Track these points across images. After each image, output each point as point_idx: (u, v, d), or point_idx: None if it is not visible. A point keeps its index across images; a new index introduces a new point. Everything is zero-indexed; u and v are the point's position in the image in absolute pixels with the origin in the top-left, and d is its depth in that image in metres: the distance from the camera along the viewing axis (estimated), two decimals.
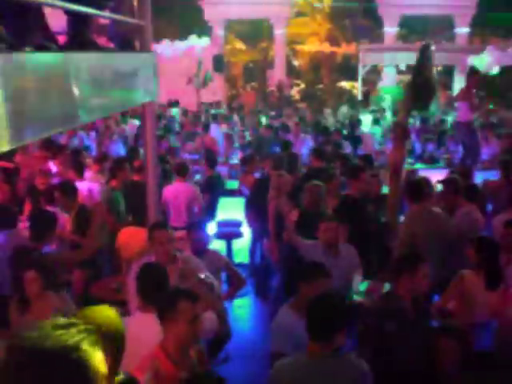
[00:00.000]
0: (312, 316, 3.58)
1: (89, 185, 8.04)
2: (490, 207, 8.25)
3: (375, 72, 24.11)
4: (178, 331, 3.41)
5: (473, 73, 11.13)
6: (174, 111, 17.89)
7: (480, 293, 4.88)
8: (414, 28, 27.32)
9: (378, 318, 4.31)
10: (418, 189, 6.40)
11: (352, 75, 24.02)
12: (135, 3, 4.91)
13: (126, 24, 4.62)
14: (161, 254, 4.95)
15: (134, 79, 4.34)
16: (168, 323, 3.44)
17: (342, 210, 6.74)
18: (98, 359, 1.70)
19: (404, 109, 7.23)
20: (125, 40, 4.71)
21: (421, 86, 6.70)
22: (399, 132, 7.12)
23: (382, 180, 8.09)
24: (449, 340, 3.76)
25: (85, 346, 1.67)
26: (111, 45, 4.66)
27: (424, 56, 6.91)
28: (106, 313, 2.78)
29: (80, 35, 3.65)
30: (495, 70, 17.22)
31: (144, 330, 3.70)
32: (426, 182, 6.84)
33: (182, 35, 23.29)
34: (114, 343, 2.65)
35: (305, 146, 11.81)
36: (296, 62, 29.81)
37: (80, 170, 8.22)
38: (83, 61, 3.19)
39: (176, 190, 8.34)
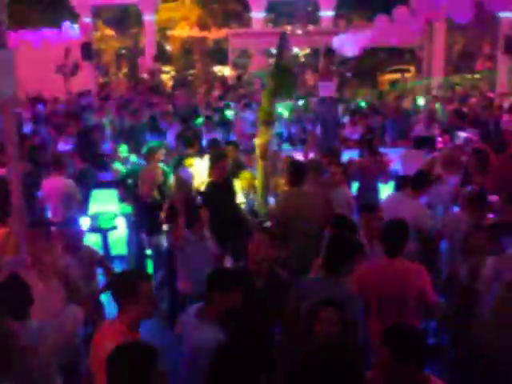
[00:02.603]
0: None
1: None
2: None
3: (247, 56, 24.46)
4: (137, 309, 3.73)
5: (327, 52, 11.60)
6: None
7: None
8: (282, 12, 27.95)
9: None
10: (296, 172, 6.64)
11: (224, 60, 24.23)
12: None
13: None
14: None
15: None
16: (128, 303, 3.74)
17: (205, 196, 6.94)
18: None
19: (268, 95, 7.49)
20: None
21: (280, 74, 6.96)
22: (264, 116, 7.40)
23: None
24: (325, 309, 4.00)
25: None
26: None
27: (281, 45, 7.18)
28: None
29: None
30: (356, 52, 17.93)
31: None
32: (307, 165, 7.11)
33: (52, 23, 22.56)
34: None
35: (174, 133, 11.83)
36: (168, 48, 29.63)
37: None
38: None
39: (52, 185, 8.17)
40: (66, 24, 21.75)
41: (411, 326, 3.70)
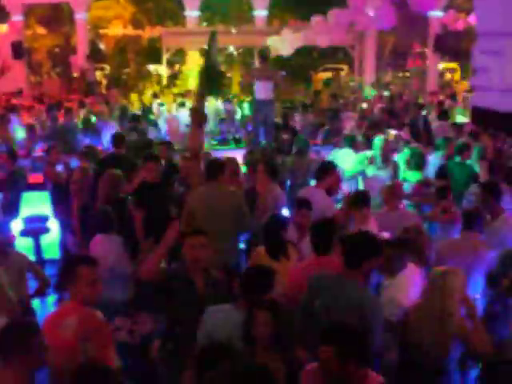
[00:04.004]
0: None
1: None
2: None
3: (182, 55, 24.35)
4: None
5: (262, 53, 11.72)
6: None
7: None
8: (217, 11, 27.94)
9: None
10: (210, 169, 6.68)
11: (158, 59, 24.07)
12: None
13: None
14: None
15: None
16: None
17: (138, 195, 6.92)
18: None
19: (198, 94, 7.53)
20: None
21: (208, 72, 7.02)
22: (196, 117, 7.43)
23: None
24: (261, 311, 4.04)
25: None
26: None
27: (210, 43, 7.24)
28: None
29: None
30: (290, 52, 18.18)
31: None
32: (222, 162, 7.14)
33: None
34: None
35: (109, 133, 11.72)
36: (102, 46, 29.20)
37: None
38: None
39: None
40: None
41: (349, 324, 3.75)
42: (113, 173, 7.12)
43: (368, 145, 9.63)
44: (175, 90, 18.63)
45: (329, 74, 25.10)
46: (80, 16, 23.42)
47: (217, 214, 6.22)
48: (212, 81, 7.05)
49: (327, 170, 7.15)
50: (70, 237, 7.93)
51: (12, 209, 8.65)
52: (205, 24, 26.62)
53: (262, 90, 11.14)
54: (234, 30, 21.05)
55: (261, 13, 23.24)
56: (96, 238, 6.13)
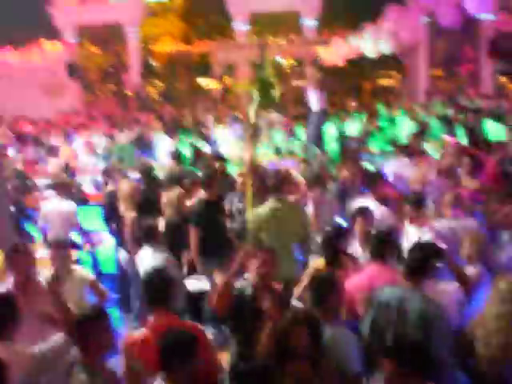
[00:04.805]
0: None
1: None
2: None
3: (232, 68, 24.53)
4: None
5: (314, 64, 11.73)
6: None
7: None
8: (265, 24, 28.02)
9: None
10: (274, 182, 6.68)
11: (209, 73, 24.30)
12: None
13: None
14: None
15: None
16: None
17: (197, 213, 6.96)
18: None
19: (252, 108, 7.52)
20: None
21: (260, 85, 7.02)
22: (250, 131, 7.43)
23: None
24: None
25: None
26: None
27: (261, 55, 7.26)
28: None
29: None
30: (340, 62, 18.05)
31: None
32: (285, 175, 7.17)
33: (31, 41, 22.56)
34: None
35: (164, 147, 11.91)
36: (153, 63, 29.66)
37: None
38: None
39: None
40: (49, 43, 21.75)
41: (414, 337, 3.65)
42: (176, 193, 7.23)
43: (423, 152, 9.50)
44: (227, 104, 18.75)
45: (382, 82, 24.84)
46: (131, 34, 23.92)
47: (283, 229, 6.22)
48: (264, 93, 7.02)
49: (376, 180, 7.11)
50: (123, 252, 8.03)
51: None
52: (254, 37, 26.73)
53: (315, 100, 11.15)
54: (283, 42, 21.08)
55: (310, 22, 23.22)
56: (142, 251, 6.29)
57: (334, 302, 4.22)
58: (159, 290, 4.35)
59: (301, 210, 6.72)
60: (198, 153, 10.36)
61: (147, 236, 6.42)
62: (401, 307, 4.15)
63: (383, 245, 5.01)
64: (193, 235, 6.81)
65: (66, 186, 8.73)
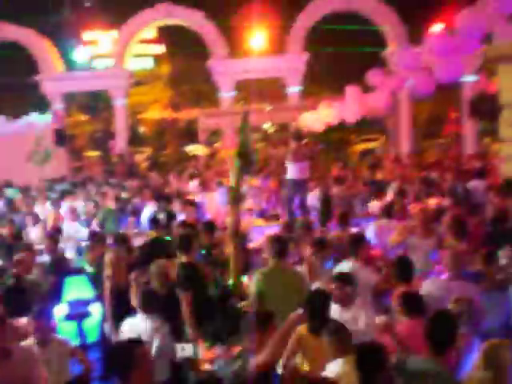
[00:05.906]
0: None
1: None
2: None
3: (219, 135, 24.86)
4: None
5: (297, 138, 11.84)
6: (11, 191, 17.00)
7: None
8: (250, 90, 28.63)
9: None
10: (276, 248, 6.67)
11: (195, 140, 24.62)
12: None
13: None
14: None
15: None
16: None
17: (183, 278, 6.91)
18: None
19: (235, 175, 7.57)
20: None
21: (241, 151, 7.12)
22: (232, 198, 7.45)
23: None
24: None
25: None
26: None
27: (243, 123, 7.38)
28: None
29: None
30: (322, 128, 18.31)
31: None
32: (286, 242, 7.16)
33: (21, 112, 22.85)
34: None
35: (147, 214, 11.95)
36: (141, 130, 30.06)
37: None
38: None
39: None
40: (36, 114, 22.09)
41: None
42: (160, 264, 7.22)
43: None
44: (213, 170, 18.87)
45: (365, 146, 25.20)
46: (119, 102, 24.27)
47: (285, 296, 6.21)
48: (245, 158, 7.11)
49: (359, 243, 7.15)
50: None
51: (55, 294, 8.72)
52: (240, 103, 27.24)
53: (298, 170, 11.27)
54: (268, 108, 21.46)
55: (294, 89, 23.71)
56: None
57: None
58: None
59: (302, 279, 6.69)
60: (171, 218, 10.31)
61: (145, 303, 6.37)
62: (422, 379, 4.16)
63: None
64: (184, 301, 6.74)
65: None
